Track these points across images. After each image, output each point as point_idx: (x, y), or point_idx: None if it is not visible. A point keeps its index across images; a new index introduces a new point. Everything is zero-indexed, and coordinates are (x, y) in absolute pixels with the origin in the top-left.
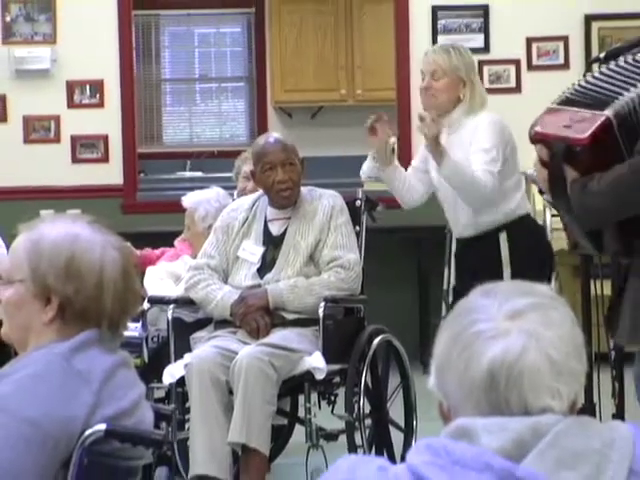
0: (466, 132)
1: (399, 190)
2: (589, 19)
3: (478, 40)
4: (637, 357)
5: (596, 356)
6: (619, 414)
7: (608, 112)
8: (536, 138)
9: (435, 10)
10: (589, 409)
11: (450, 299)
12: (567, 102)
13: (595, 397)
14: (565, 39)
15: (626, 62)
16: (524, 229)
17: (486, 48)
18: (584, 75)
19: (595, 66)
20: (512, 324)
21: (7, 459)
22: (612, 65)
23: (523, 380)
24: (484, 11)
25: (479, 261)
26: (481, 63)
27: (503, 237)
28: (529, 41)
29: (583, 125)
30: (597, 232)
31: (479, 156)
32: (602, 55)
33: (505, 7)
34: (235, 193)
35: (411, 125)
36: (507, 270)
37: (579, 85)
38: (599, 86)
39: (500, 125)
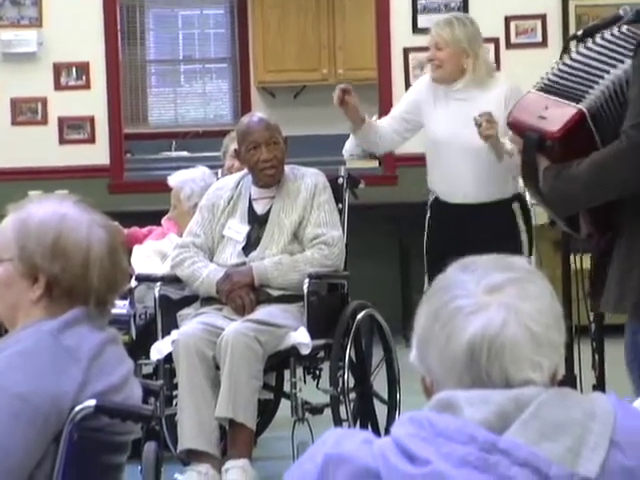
0: (484, 105)
1: (373, 141)
2: None
3: None
4: (627, 327)
5: (576, 328)
6: (600, 385)
7: (582, 105)
8: (511, 124)
9: None
10: (570, 380)
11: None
12: (545, 89)
13: (576, 369)
14: (543, 17)
15: (603, 39)
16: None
17: None
18: (562, 55)
19: (572, 44)
20: (491, 299)
21: None
22: (590, 44)
23: (504, 353)
24: None
25: (491, 228)
26: None
27: (516, 207)
28: (507, 20)
29: (557, 117)
30: (573, 215)
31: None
32: (579, 33)
33: None
34: (219, 172)
35: (392, 103)
36: (524, 236)
37: (558, 69)
38: (576, 71)
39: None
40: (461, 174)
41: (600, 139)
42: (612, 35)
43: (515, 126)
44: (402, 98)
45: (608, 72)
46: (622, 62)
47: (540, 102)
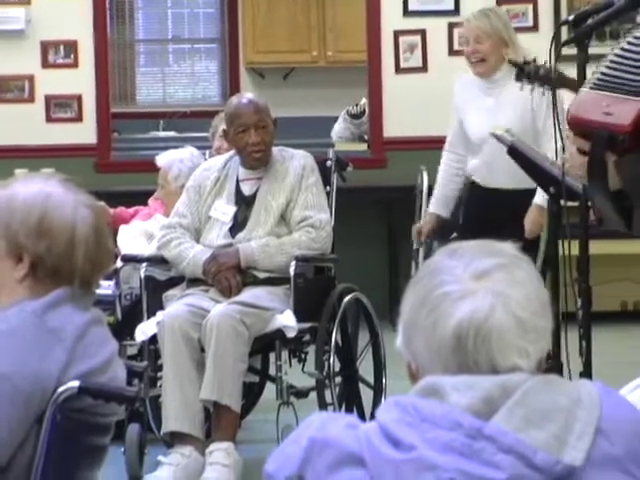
0: (519, 93)
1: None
2: None
3: (449, 3)
4: None
5: (564, 315)
6: (586, 372)
7: None
8: (576, 123)
9: None
10: (557, 367)
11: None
12: (599, 86)
13: (563, 356)
14: (534, 1)
15: None
16: None
17: (456, 10)
18: (553, 40)
19: (564, 29)
20: (478, 285)
21: None
22: (631, 39)
23: (491, 340)
24: None
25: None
26: (451, 25)
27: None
28: (499, 3)
29: (623, 113)
30: (629, 211)
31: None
32: (571, 18)
33: None
34: (207, 152)
35: (381, 85)
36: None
37: (606, 66)
38: (627, 65)
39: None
40: (498, 163)
41: None
42: None
43: (578, 125)
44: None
45: None
46: None
47: (598, 99)
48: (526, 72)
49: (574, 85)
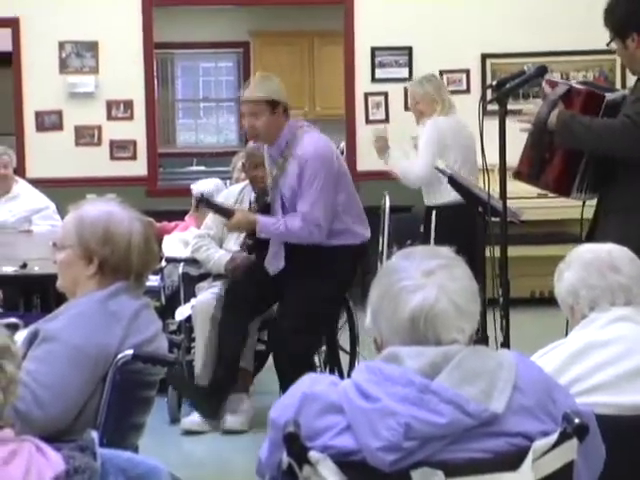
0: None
1: None
2: (485, 57)
3: (404, 72)
4: None
5: (489, 301)
6: (506, 343)
7: (606, 94)
8: (550, 83)
9: (373, 50)
10: (483, 340)
11: None
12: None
13: (488, 331)
14: (467, 71)
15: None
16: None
17: (410, 78)
18: (481, 99)
19: (489, 91)
20: (427, 280)
21: (60, 375)
22: None
23: (437, 321)
24: (409, 51)
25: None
26: (406, 89)
27: (433, 214)
28: (441, 73)
29: (585, 86)
30: (543, 165)
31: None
32: (494, 83)
33: (424, 48)
34: (228, 182)
35: (355, 132)
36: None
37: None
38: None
39: (432, 130)
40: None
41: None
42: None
43: (552, 83)
44: None
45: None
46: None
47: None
48: (204, 202)
49: (228, 213)
